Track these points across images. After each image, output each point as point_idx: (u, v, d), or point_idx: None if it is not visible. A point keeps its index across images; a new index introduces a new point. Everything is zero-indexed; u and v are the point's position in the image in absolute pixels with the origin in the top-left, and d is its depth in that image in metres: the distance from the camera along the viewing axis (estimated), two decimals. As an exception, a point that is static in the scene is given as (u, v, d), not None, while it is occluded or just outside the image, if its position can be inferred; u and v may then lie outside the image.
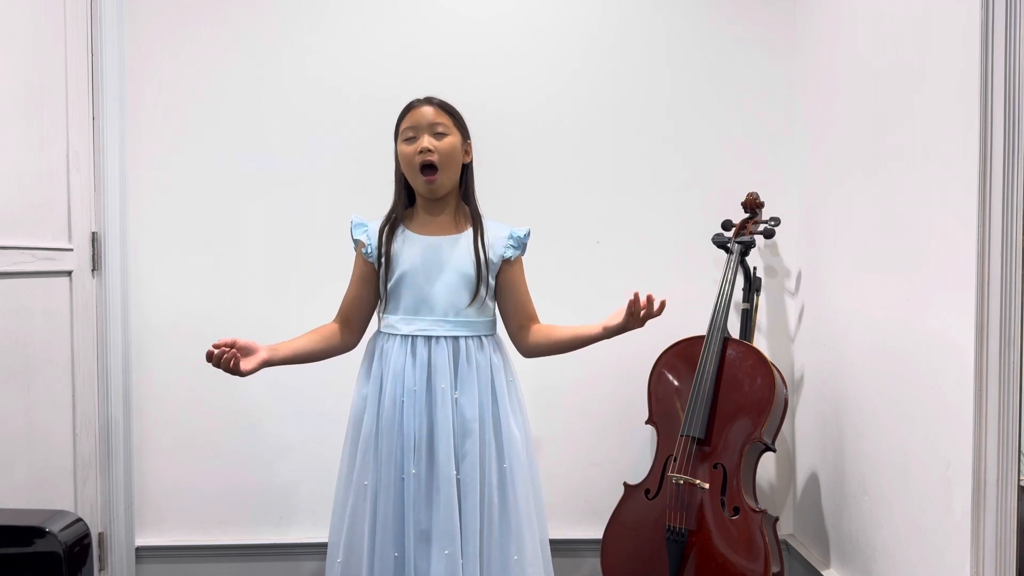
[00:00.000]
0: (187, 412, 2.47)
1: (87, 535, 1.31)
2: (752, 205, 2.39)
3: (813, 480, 2.41)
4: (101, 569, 2.30)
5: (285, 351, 1.73)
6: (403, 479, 1.69)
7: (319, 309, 2.46)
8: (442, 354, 1.71)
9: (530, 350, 1.85)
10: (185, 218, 2.45)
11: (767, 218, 2.38)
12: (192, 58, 2.44)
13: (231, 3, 2.44)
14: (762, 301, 2.55)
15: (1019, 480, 1.60)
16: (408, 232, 1.79)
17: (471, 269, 1.75)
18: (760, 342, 2.53)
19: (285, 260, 2.47)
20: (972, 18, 1.58)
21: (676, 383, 2.27)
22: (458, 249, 1.76)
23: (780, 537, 2.33)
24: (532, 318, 1.86)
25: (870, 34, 2.04)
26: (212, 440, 2.47)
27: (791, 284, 2.55)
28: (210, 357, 1.58)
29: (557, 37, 2.50)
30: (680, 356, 2.28)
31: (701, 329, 2.27)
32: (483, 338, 1.77)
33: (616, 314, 1.71)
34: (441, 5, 2.48)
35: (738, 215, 2.43)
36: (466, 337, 1.74)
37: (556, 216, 2.49)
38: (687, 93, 2.52)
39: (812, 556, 2.39)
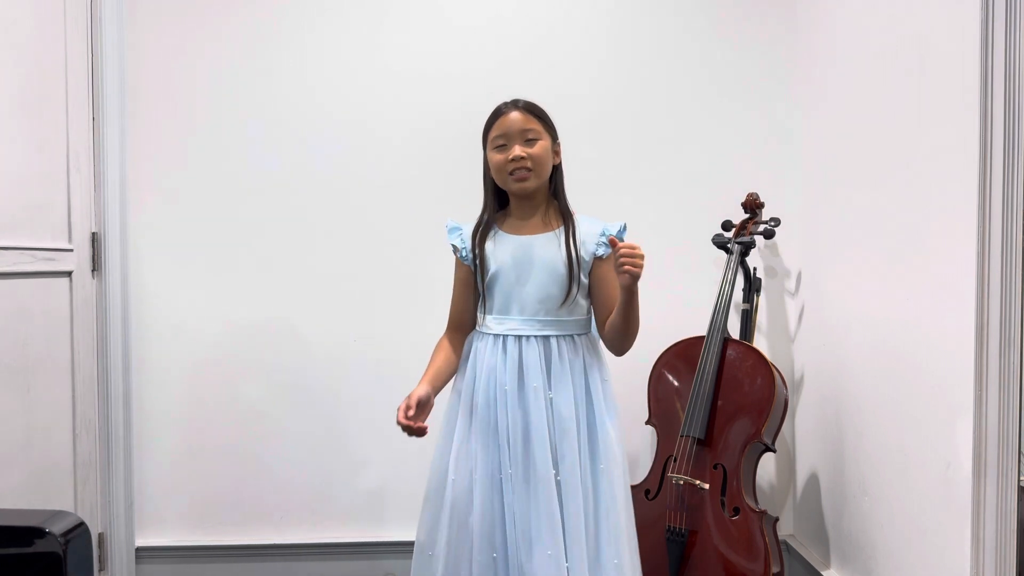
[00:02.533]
0: (187, 412, 2.47)
1: (87, 535, 1.31)
2: (752, 205, 2.39)
3: (813, 480, 2.41)
4: (101, 569, 2.30)
5: (439, 382, 1.77)
6: (500, 479, 1.67)
7: (317, 309, 2.48)
8: (533, 353, 1.70)
9: (607, 343, 1.79)
10: (185, 218, 2.45)
11: (767, 218, 2.38)
12: (192, 57, 2.44)
13: (231, 3, 2.45)
14: (762, 301, 2.55)
15: (1019, 480, 1.60)
16: (500, 232, 1.78)
17: (562, 267, 1.72)
18: (760, 342, 2.53)
19: (284, 260, 2.47)
20: (972, 18, 1.58)
21: (676, 383, 2.27)
22: (549, 247, 1.74)
23: (780, 537, 2.33)
24: None
25: (870, 35, 2.04)
26: (212, 440, 2.47)
27: (791, 284, 2.55)
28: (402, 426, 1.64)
29: (555, 39, 2.50)
30: (680, 356, 2.28)
31: (701, 329, 2.27)
32: (576, 337, 1.75)
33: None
34: (443, 6, 2.48)
35: (738, 215, 2.43)
36: (557, 336, 1.73)
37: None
38: (687, 93, 2.52)
39: (812, 556, 2.39)
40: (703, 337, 2.24)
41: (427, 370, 1.78)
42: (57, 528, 1.26)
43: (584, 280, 1.75)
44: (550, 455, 1.66)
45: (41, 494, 2.01)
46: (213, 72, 2.45)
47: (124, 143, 2.34)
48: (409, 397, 1.66)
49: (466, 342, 1.83)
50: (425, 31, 2.48)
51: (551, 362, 1.71)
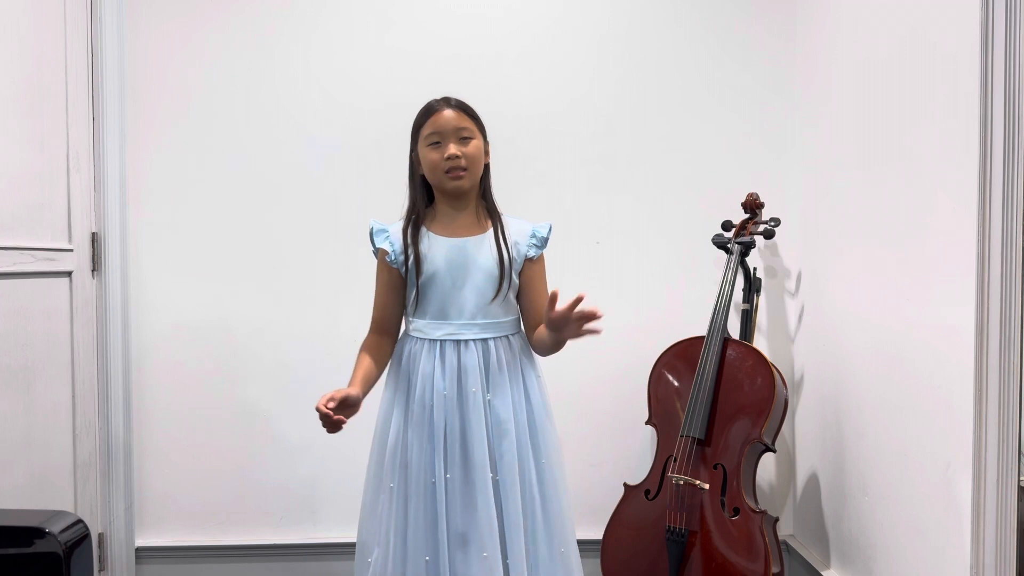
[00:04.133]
0: (187, 412, 2.47)
1: (87, 535, 1.31)
2: (752, 205, 2.39)
3: (813, 480, 2.41)
4: (101, 569, 2.30)
5: (367, 386, 1.71)
6: (434, 483, 1.67)
7: (317, 310, 2.48)
8: (472, 358, 1.70)
9: (533, 348, 1.82)
10: (185, 218, 2.45)
11: (767, 218, 2.38)
12: (193, 57, 2.44)
13: (232, 2, 2.44)
14: (762, 301, 2.55)
15: (1019, 480, 1.60)
16: (431, 235, 1.75)
17: (495, 268, 1.72)
18: (760, 342, 2.53)
19: (284, 261, 2.47)
20: (972, 18, 1.58)
21: (676, 383, 2.27)
22: (482, 249, 1.73)
23: (780, 537, 2.33)
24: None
25: (870, 34, 2.04)
26: (212, 441, 2.47)
27: (791, 284, 2.55)
28: (322, 415, 1.55)
29: (556, 40, 2.50)
30: (680, 356, 2.28)
31: (701, 329, 2.27)
32: (510, 337, 1.76)
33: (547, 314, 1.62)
34: (441, 5, 2.48)
35: (738, 215, 2.43)
36: (495, 338, 1.73)
37: (555, 217, 2.46)
38: (687, 94, 2.51)
39: (812, 556, 2.39)
40: (703, 337, 2.24)
41: (355, 373, 1.71)
42: (57, 528, 1.26)
43: (516, 280, 1.76)
44: (488, 458, 1.67)
45: (41, 494, 2.01)
46: (213, 72, 2.45)
47: (124, 143, 2.35)
48: (336, 391, 1.58)
49: (397, 345, 1.80)
50: (428, 31, 2.48)
51: (489, 365, 1.71)
